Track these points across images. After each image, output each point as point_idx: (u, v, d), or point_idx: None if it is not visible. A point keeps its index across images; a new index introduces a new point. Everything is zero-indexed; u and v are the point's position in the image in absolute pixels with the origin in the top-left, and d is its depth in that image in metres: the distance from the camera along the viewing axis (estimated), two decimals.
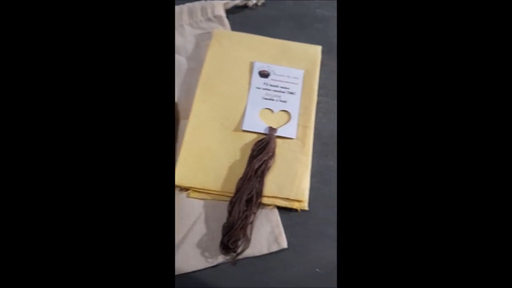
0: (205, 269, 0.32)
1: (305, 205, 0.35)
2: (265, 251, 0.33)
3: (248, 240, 0.32)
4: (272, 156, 0.35)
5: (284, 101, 0.38)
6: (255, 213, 0.33)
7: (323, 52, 0.43)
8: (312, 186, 0.36)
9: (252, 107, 0.37)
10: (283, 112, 0.38)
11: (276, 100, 0.38)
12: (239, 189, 0.33)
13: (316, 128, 0.39)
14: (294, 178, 0.35)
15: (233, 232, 0.31)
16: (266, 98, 0.38)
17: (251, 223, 0.33)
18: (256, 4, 0.48)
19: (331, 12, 0.47)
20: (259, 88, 0.38)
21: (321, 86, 0.41)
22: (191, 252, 0.33)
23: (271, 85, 0.38)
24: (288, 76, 0.39)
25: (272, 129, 0.36)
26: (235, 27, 0.46)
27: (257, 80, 0.39)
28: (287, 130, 0.36)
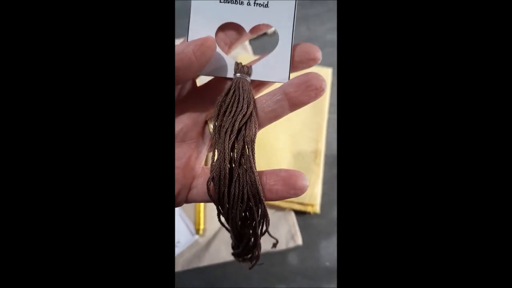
0: (233, 260, 0.39)
1: (317, 209, 0.41)
2: (283, 247, 0.39)
3: (258, 257, 0.21)
4: (249, 116, 0.18)
5: (265, 6, 0.19)
6: (263, 222, 0.19)
7: (333, 74, 0.49)
8: (323, 192, 0.42)
9: (198, 19, 0.19)
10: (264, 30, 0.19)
11: (249, 4, 0.19)
12: (221, 195, 0.18)
13: (327, 142, 0.45)
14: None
15: (242, 255, 0.21)
16: (226, 1, 0.19)
17: (262, 233, 0.20)
18: (274, 32, 0.54)
19: None
20: None
21: (331, 104, 0.47)
22: (222, 246, 0.39)
23: None
24: None
25: (241, 68, 0.19)
26: (256, 51, 0.53)
27: None
28: (273, 68, 0.19)
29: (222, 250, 0.39)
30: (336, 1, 0.57)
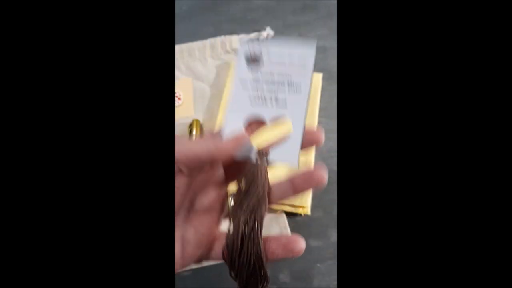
0: None
1: (308, 210, 0.42)
2: None
3: None
4: (262, 198, 0.22)
5: (284, 107, 0.23)
6: (265, 281, 0.22)
7: (323, 79, 0.50)
8: (313, 195, 0.43)
9: (233, 115, 0.24)
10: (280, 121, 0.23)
11: (270, 100, 0.23)
12: (232, 261, 0.22)
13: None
14: None
15: None
16: (256, 99, 0.24)
17: None
18: (266, 38, 0.56)
19: (330, 44, 0.54)
20: (245, 81, 0.23)
21: (321, 109, 0.48)
22: None
23: (262, 74, 0.23)
24: (290, 55, 0.24)
25: (261, 155, 0.22)
26: None
27: (243, 69, 0.24)
28: (285, 152, 0.23)
29: None
30: (326, 9, 0.58)
